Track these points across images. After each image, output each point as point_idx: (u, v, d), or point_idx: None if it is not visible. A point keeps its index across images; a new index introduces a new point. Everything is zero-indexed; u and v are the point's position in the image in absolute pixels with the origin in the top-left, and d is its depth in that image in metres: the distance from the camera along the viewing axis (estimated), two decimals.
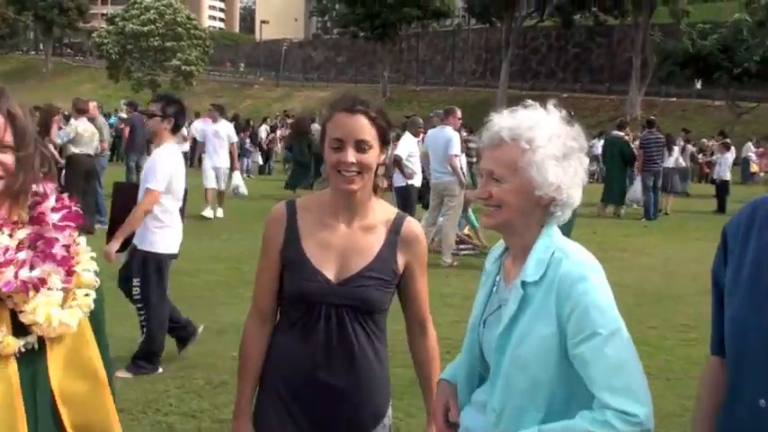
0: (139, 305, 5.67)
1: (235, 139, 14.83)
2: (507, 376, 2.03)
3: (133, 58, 55.67)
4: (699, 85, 45.30)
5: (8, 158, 1.67)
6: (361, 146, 2.28)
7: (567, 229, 2.16)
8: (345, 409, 2.36)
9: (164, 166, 5.55)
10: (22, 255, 1.66)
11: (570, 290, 1.95)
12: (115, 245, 5.50)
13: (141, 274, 5.62)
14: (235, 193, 14.33)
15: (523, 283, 2.03)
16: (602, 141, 21.02)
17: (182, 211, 5.90)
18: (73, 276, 1.74)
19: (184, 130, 19.82)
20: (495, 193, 2.06)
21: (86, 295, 1.76)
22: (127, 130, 16.87)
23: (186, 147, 19.21)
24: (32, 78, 72.14)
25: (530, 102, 2.12)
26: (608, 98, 49.18)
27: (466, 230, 11.80)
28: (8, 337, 1.63)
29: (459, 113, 10.99)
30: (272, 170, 27.38)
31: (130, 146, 16.59)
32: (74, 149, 12.01)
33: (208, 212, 13.86)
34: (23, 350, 1.65)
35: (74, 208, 1.80)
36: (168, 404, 5.12)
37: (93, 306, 1.77)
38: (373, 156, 2.31)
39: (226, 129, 14.46)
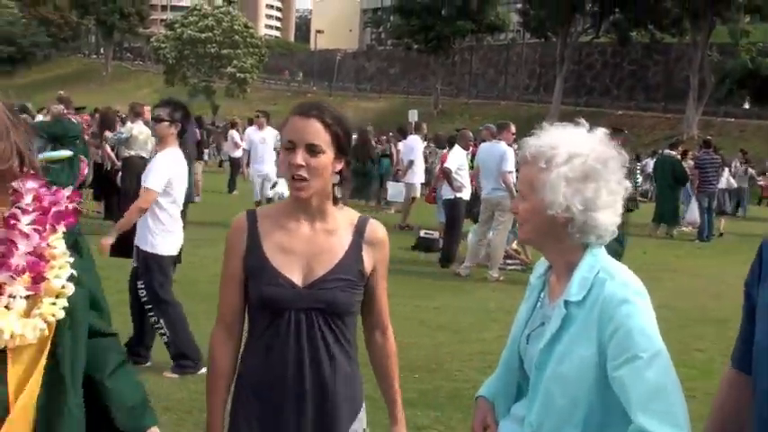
0: (148, 306, 5.80)
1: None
2: (546, 393, 2.04)
3: (189, 63, 56.64)
4: (747, 105, 44.39)
5: None
6: (312, 149, 2.26)
7: (615, 250, 2.16)
8: (317, 414, 2.33)
9: (163, 169, 5.71)
10: None
11: (613, 312, 1.94)
12: (110, 239, 5.64)
13: (145, 276, 5.77)
14: (279, 199, 14.48)
15: (566, 303, 2.03)
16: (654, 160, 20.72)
17: (183, 214, 6.04)
18: (42, 283, 1.69)
19: (237, 137, 20.15)
20: (519, 210, 2.12)
21: (53, 303, 1.70)
22: None
23: (239, 153, 19.47)
24: (93, 81, 73.75)
25: (581, 120, 2.14)
26: (664, 117, 48.38)
27: (514, 246, 11.74)
28: None
29: (513, 129, 10.92)
30: None
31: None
32: (128, 152, 12.28)
33: None
34: None
35: (56, 209, 1.75)
36: None
37: (59, 314, 1.70)
38: (325, 161, 2.28)
39: (272, 135, 14.46)
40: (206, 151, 24.76)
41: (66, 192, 1.80)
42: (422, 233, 12.41)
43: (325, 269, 2.32)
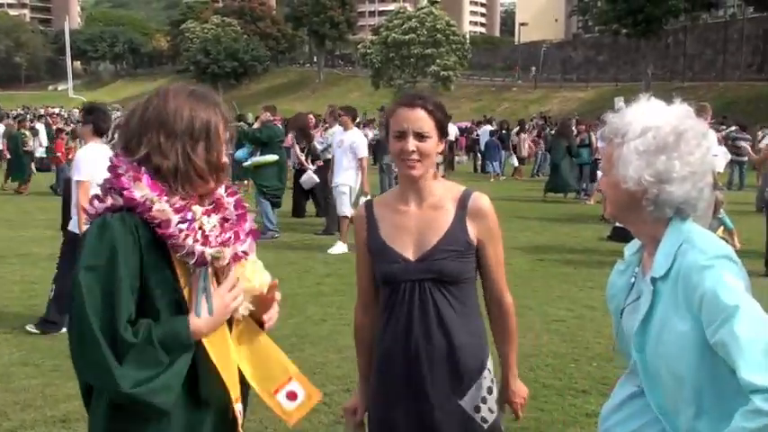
0: None
1: (362, 154, 11.24)
2: (653, 374, 2.05)
3: (395, 65, 58.20)
4: None
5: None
6: (420, 136, 2.52)
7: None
8: (436, 373, 2.53)
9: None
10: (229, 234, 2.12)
11: (696, 281, 1.93)
12: None
13: None
14: None
15: (653, 279, 2.04)
16: None
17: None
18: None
19: None
20: (602, 185, 2.18)
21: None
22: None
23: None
24: (307, 89, 77.90)
25: (649, 95, 2.14)
26: None
27: (719, 233, 11.08)
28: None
29: (710, 112, 10.43)
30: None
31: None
32: (328, 155, 12.90)
33: (337, 249, 10.93)
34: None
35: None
36: None
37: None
38: (432, 144, 2.55)
39: (351, 139, 11.27)
40: None
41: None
42: (617, 222, 12.05)
43: (433, 242, 2.56)
